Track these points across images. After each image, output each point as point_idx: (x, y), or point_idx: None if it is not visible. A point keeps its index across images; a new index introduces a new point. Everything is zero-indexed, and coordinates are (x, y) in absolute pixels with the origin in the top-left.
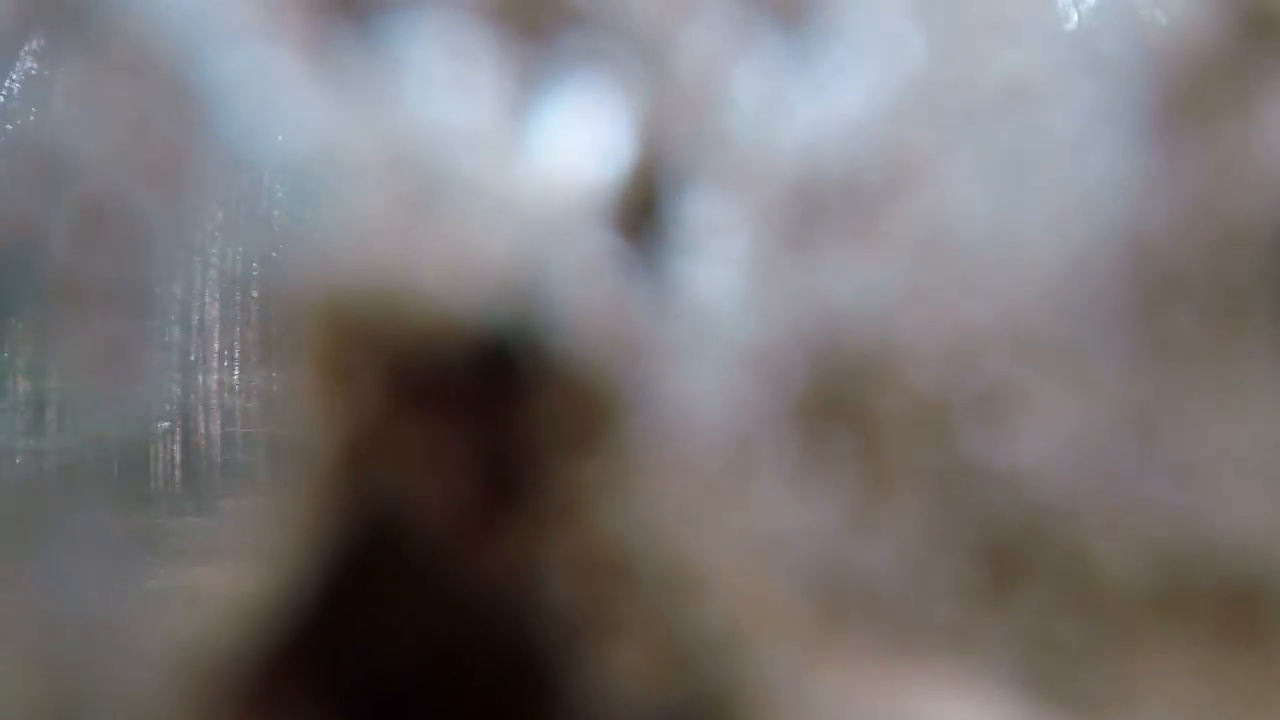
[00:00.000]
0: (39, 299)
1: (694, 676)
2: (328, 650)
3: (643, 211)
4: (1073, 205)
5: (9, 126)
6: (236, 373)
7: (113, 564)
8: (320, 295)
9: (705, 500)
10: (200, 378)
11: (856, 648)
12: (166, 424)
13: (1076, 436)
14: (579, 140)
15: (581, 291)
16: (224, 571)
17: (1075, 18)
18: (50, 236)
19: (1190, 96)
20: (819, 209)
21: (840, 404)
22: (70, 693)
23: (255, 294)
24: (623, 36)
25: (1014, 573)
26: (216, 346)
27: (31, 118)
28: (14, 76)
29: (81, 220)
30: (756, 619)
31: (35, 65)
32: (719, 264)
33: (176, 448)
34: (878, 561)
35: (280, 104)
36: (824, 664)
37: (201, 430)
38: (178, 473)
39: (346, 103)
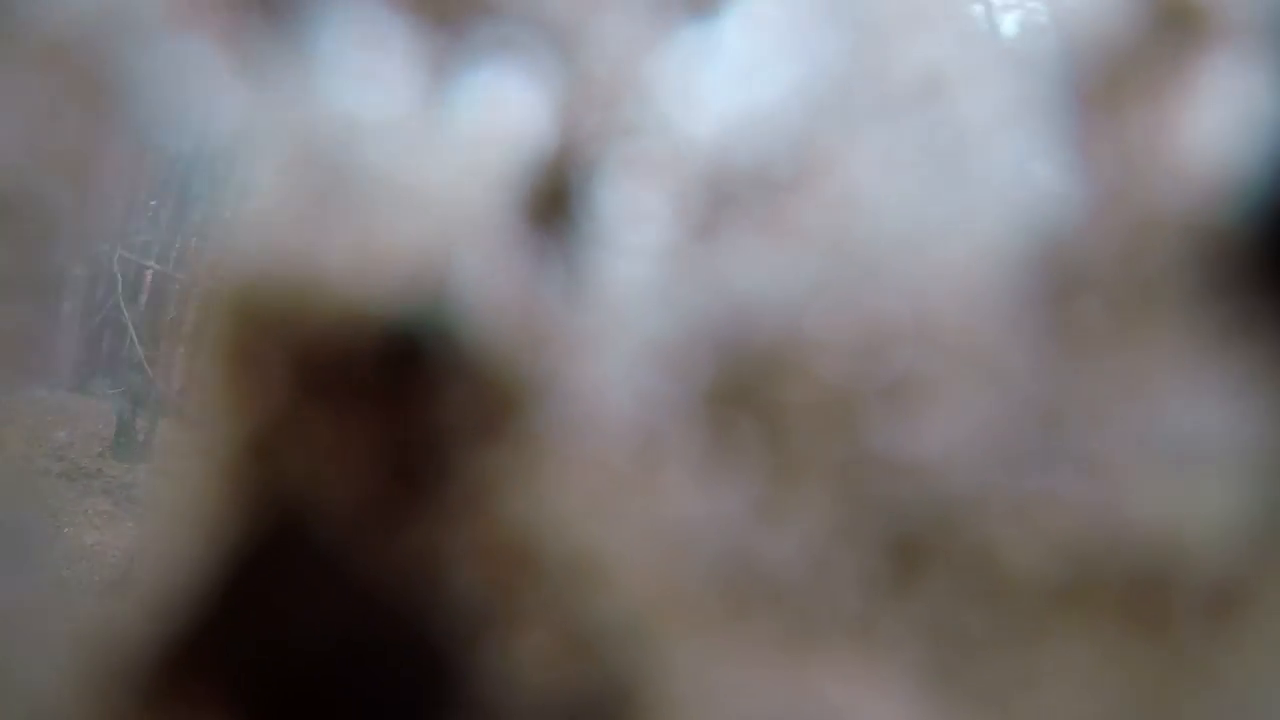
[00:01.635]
0: None
1: (598, 666)
2: (231, 641)
3: (553, 202)
4: (983, 198)
5: None
6: (142, 362)
7: (12, 552)
8: (227, 285)
9: (611, 490)
10: (105, 367)
11: (761, 638)
12: (70, 410)
13: (983, 428)
14: (490, 131)
15: (490, 282)
16: (126, 561)
17: (987, 11)
18: None
19: (1101, 89)
20: (729, 200)
21: (747, 395)
22: None
23: (163, 284)
24: (535, 26)
25: (919, 563)
26: (123, 335)
27: None
28: None
29: None
30: (661, 609)
31: None
32: (629, 255)
33: (79, 434)
34: (783, 552)
35: (191, 94)
36: (728, 654)
37: (105, 417)
38: (80, 459)
39: (257, 93)
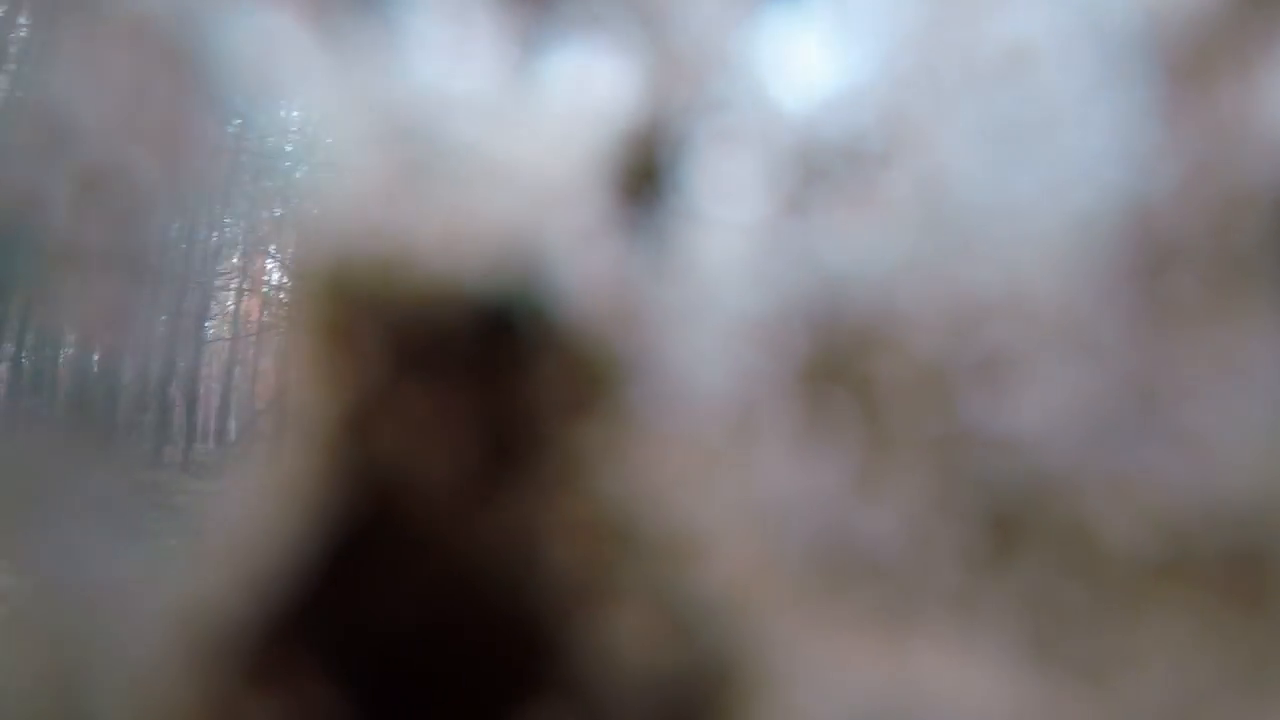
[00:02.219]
0: (41, 265)
1: (694, 642)
2: (329, 618)
3: (643, 177)
4: (1074, 172)
5: (11, 95)
6: (238, 339)
7: (115, 530)
8: (321, 262)
9: (706, 465)
10: (202, 344)
11: (858, 613)
12: (169, 389)
13: (1077, 402)
14: (579, 106)
15: (581, 257)
16: (226, 538)
17: None
18: (51, 203)
19: (1191, 63)
20: (820, 175)
21: (841, 370)
22: (71, 660)
23: (256, 261)
24: (622, 1)
25: (1016, 538)
26: (217, 313)
27: (32, 86)
28: (15, 45)
29: (82, 187)
30: (757, 584)
31: (36, 34)
32: (720, 230)
33: (179, 413)
34: (880, 526)
35: (279, 71)
36: (824, 629)
37: (203, 396)
38: (180, 439)
39: (345, 69)
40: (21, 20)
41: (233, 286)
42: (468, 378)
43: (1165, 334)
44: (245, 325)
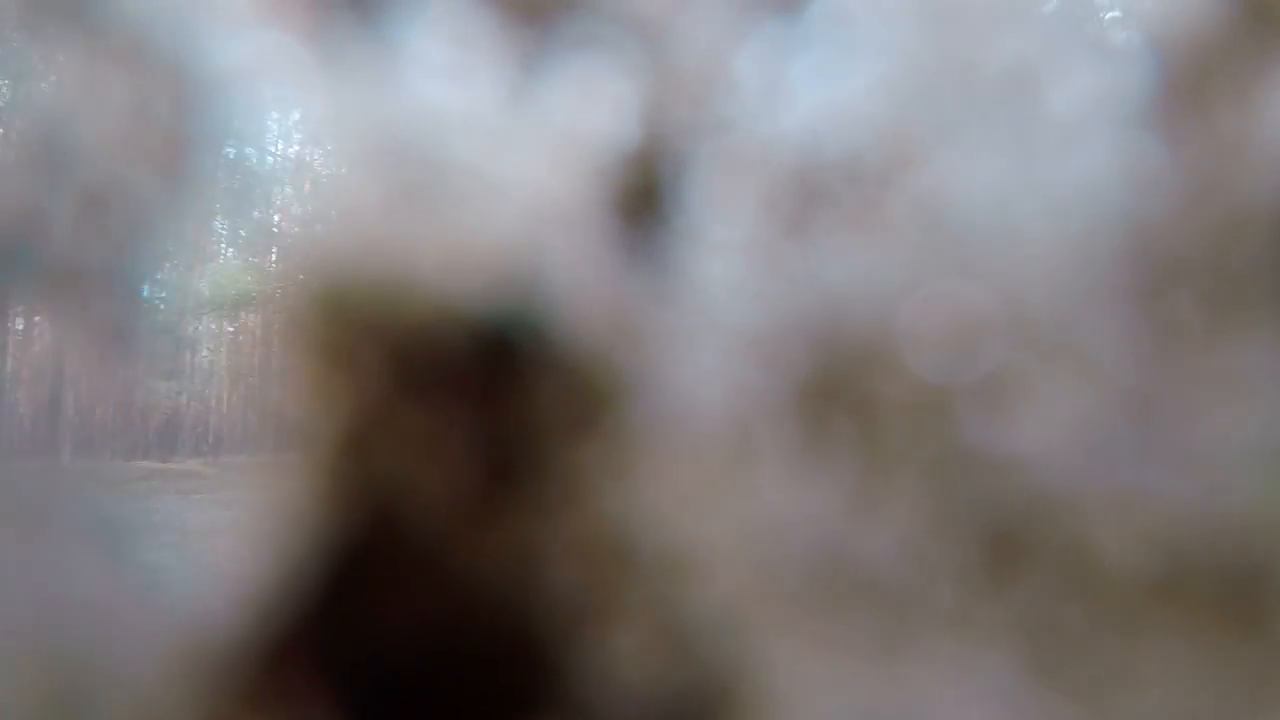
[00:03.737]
0: (42, 282)
1: (693, 660)
2: (329, 636)
3: (643, 197)
4: (1073, 191)
5: (11, 113)
6: (237, 359)
7: (114, 547)
8: (321, 281)
9: (705, 485)
10: (201, 363)
11: (857, 632)
12: (168, 408)
13: (1077, 421)
14: (579, 126)
15: (581, 277)
16: (227, 557)
17: (1075, 3)
18: (52, 222)
19: (1190, 82)
20: (819, 194)
21: (841, 389)
22: (70, 678)
23: (255, 280)
24: (623, 21)
25: (1015, 558)
26: (217, 332)
27: (33, 105)
28: (15, 64)
29: (83, 206)
30: (756, 603)
31: (37, 52)
32: (720, 249)
33: (177, 432)
34: (878, 546)
35: (280, 90)
36: (822, 649)
37: (203, 415)
38: (179, 458)
39: (346, 88)
40: (18, 37)
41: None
42: (467, 397)
43: (1164, 353)
44: (244, 345)
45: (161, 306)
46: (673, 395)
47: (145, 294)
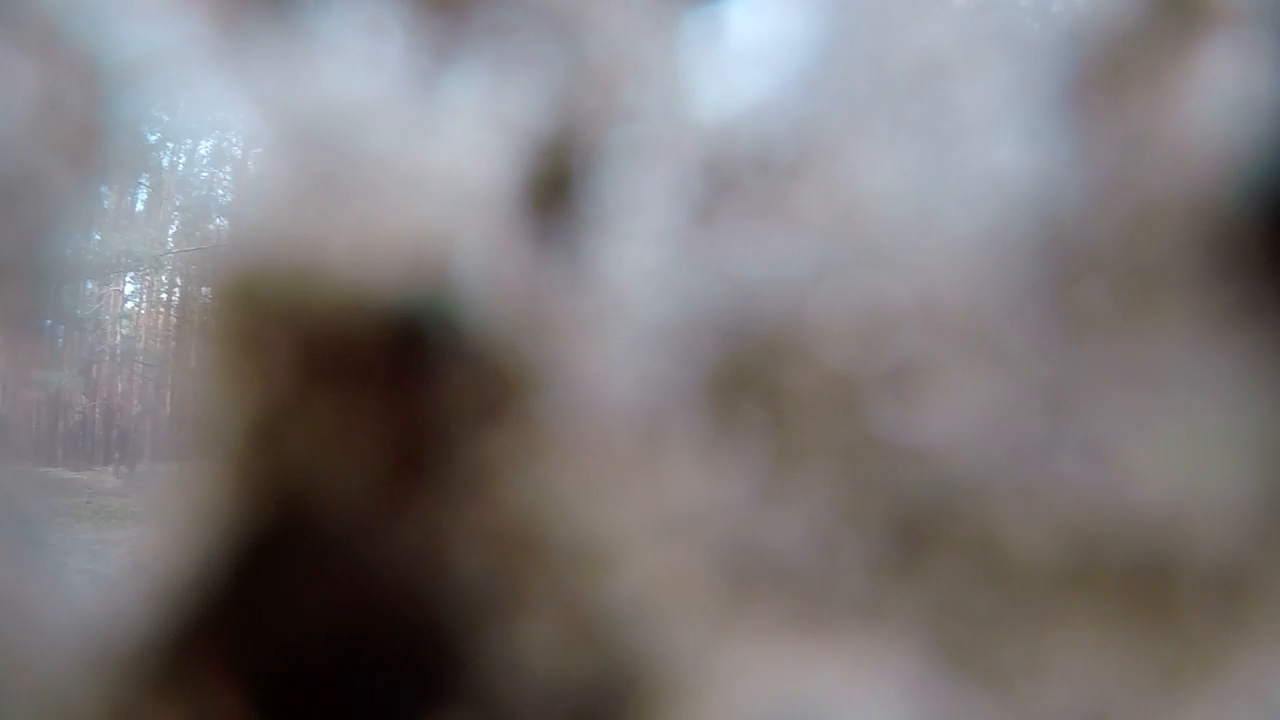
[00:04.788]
0: None
1: (603, 651)
2: (238, 626)
3: (555, 187)
4: (985, 181)
5: None
6: (146, 348)
7: (20, 538)
8: (231, 270)
9: (615, 474)
10: (111, 353)
11: (766, 621)
12: (78, 398)
13: (987, 412)
14: (491, 116)
15: (492, 267)
16: (134, 547)
17: None
18: None
19: (1102, 72)
20: (731, 185)
21: (751, 379)
22: None
23: (166, 268)
24: (535, 12)
25: (924, 547)
26: (126, 321)
27: None
28: None
29: None
30: (666, 593)
31: None
32: (631, 240)
33: (86, 424)
34: (788, 535)
35: (190, 80)
36: (733, 638)
37: (111, 407)
38: (88, 448)
39: (257, 78)
40: None
41: (142, 298)
42: (377, 387)
43: (1076, 344)
44: (154, 336)
45: (73, 300)
46: (583, 385)
47: (56, 287)
